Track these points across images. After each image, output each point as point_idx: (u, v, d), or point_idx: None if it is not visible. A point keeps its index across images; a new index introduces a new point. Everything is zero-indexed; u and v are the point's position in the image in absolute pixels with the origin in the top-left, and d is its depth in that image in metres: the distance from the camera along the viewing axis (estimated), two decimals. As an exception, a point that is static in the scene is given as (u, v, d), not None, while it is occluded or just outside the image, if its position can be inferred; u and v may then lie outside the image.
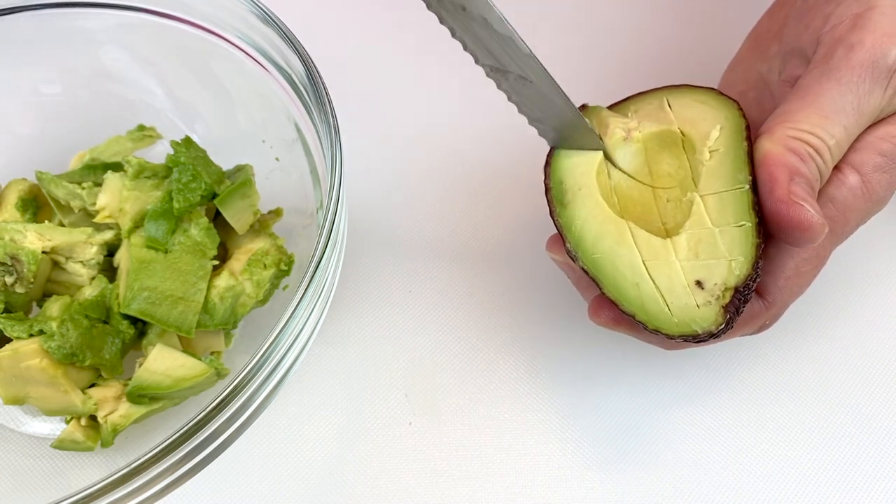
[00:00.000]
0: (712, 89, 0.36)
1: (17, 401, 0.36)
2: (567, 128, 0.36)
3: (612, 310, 0.34)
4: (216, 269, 0.38)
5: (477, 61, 0.34)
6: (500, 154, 0.47)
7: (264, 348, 0.31)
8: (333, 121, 0.34)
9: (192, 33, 0.41)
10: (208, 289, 0.37)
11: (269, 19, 0.37)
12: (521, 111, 0.36)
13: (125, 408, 0.36)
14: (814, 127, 0.32)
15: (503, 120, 0.48)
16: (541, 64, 0.34)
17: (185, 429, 0.30)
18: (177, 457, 0.30)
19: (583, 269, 0.33)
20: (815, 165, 0.32)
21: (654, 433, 0.39)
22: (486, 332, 0.41)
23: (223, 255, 0.39)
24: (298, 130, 0.39)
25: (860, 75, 0.32)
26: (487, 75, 0.34)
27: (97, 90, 0.44)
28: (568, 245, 0.34)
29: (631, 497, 0.37)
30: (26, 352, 0.35)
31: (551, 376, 0.40)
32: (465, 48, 0.33)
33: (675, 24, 0.52)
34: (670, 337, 0.32)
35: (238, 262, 0.38)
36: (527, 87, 0.35)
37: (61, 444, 0.36)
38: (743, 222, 0.32)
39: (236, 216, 0.38)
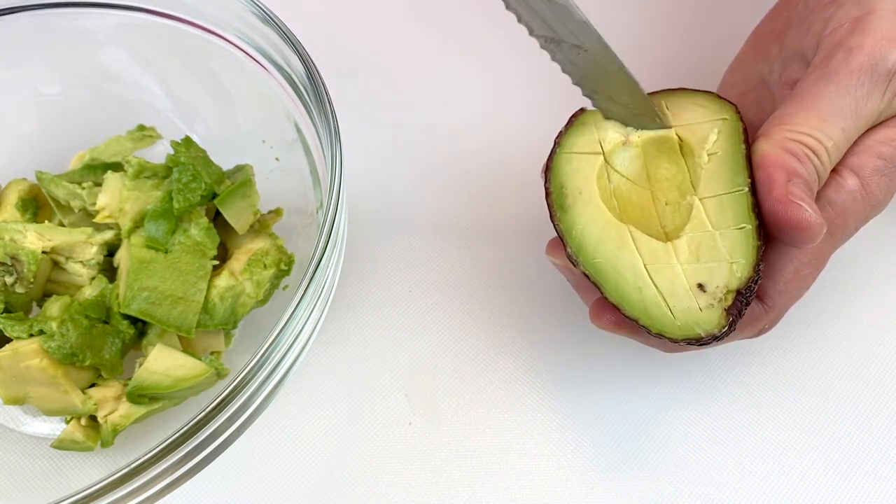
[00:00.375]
0: (709, 92, 0.36)
1: (17, 401, 0.36)
2: (624, 96, 0.35)
3: (614, 313, 0.34)
4: (216, 269, 0.38)
5: (531, 32, 0.34)
6: (501, 154, 0.47)
7: (264, 348, 0.31)
8: (333, 121, 0.34)
9: (192, 33, 0.41)
10: (208, 289, 0.37)
11: (269, 19, 0.37)
12: (574, 82, 0.35)
13: (125, 408, 0.36)
14: (812, 129, 0.32)
15: (505, 120, 0.48)
16: (595, 31, 0.34)
17: (185, 429, 0.30)
18: (177, 457, 0.30)
19: (584, 273, 0.33)
20: (813, 167, 0.32)
21: (655, 434, 0.39)
22: (486, 333, 0.41)
23: (223, 255, 0.39)
24: (298, 130, 0.39)
25: (859, 78, 0.32)
26: (542, 46, 0.34)
27: (97, 90, 0.43)
28: (569, 250, 0.34)
29: (631, 497, 0.37)
30: (26, 352, 0.35)
31: (552, 377, 0.40)
32: (520, 20, 0.33)
33: (674, 27, 0.52)
34: (673, 340, 0.32)
35: (238, 262, 0.38)
36: (581, 56, 0.34)
37: (61, 444, 0.36)
38: (743, 224, 0.32)
39: (236, 216, 0.38)
